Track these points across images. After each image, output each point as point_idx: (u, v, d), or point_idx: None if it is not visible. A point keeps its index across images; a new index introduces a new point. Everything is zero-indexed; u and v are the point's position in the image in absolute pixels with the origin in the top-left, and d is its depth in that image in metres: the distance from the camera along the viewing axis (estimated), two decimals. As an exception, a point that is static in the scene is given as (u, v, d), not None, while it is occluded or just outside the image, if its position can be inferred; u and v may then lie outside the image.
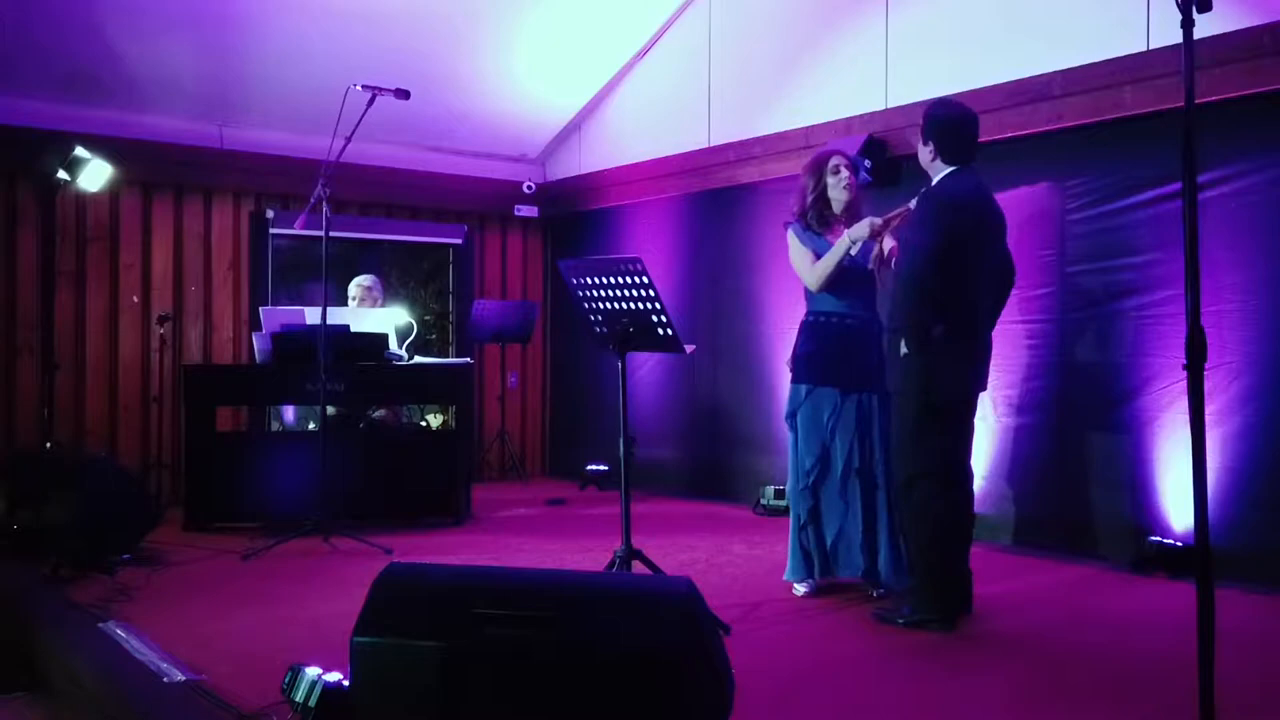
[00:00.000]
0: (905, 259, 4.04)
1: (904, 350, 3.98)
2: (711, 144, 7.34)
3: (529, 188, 8.80)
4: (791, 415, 4.49)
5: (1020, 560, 5.25)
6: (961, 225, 3.96)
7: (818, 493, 4.43)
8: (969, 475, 4.14)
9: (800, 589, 4.47)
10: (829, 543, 4.44)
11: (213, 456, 6.21)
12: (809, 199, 4.49)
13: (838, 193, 4.46)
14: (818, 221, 4.48)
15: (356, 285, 7.06)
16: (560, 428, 8.96)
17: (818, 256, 4.42)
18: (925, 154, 4.13)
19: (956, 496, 4.07)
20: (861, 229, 4.28)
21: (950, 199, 4.00)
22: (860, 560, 4.40)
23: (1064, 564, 5.14)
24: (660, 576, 3.82)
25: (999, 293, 4.21)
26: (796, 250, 4.48)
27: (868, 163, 5.99)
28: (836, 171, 4.47)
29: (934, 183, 4.11)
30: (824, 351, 4.43)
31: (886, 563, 4.41)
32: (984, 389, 4.15)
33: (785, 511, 5.34)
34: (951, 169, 4.07)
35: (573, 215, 8.64)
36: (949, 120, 4.11)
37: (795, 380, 4.50)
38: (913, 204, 4.14)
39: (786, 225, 4.56)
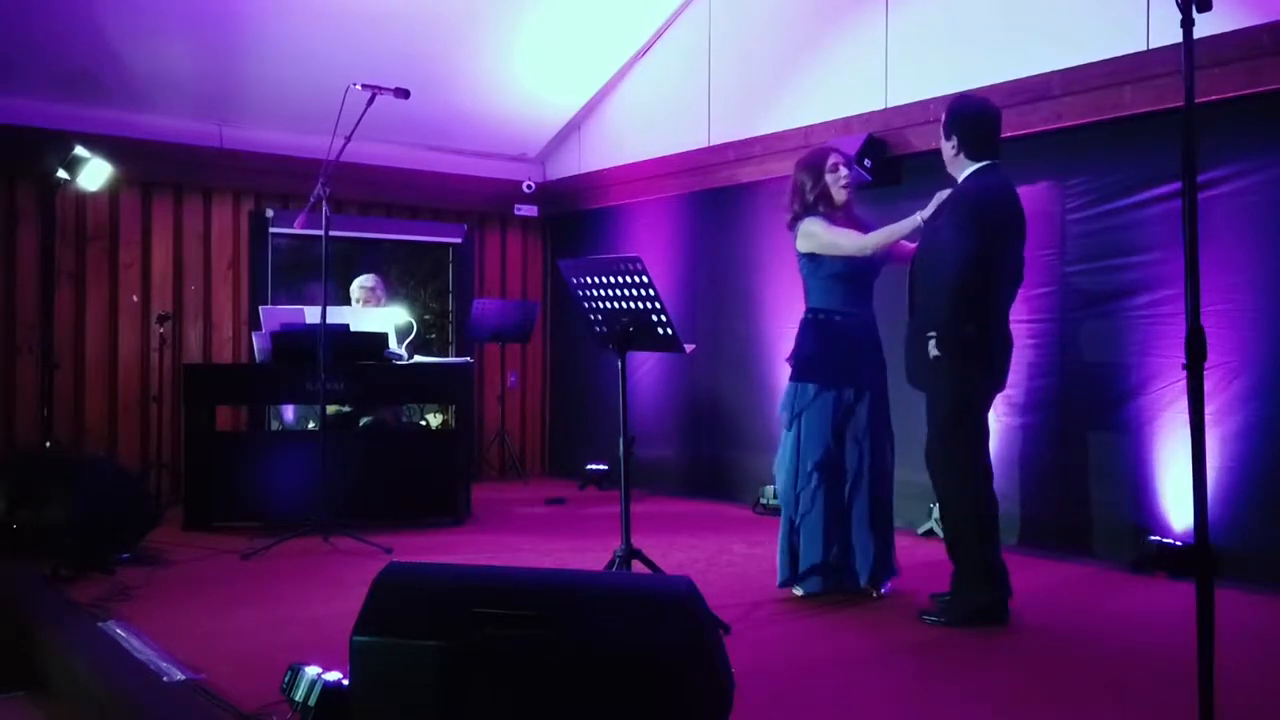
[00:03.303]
0: (940, 262, 3.97)
1: (934, 353, 3.95)
2: (711, 144, 7.34)
3: (529, 187, 8.80)
4: (797, 414, 4.43)
5: (1021, 559, 5.21)
6: (995, 226, 3.93)
7: (814, 496, 4.41)
8: (991, 471, 4.15)
9: (799, 590, 4.46)
10: (822, 546, 4.39)
11: (212, 456, 6.21)
12: (811, 196, 4.45)
13: (838, 191, 4.44)
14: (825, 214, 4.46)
15: (359, 286, 7.06)
16: (560, 427, 8.96)
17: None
18: (948, 149, 4.08)
19: (992, 491, 4.09)
20: (931, 208, 4.14)
21: (983, 199, 3.95)
22: (836, 560, 4.39)
23: (1064, 563, 5.14)
24: (660, 576, 3.81)
25: (1013, 290, 4.16)
26: (829, 233, 4.34)
27: (868, 162, 5.99)
28: (835, 170, 4.45)
29: (962, 180, 4.05)
30: (833, 352, 4.42)
31: (863, 563, 4.39)
32: (1003, 388, 4.16)
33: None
34: (978, 165, 4.03)
35: (573, 215, 8.64)
36: (973, 115, 4.06)
37: (801, 379, 4.46)
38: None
39: (795, 221, 4.46)
